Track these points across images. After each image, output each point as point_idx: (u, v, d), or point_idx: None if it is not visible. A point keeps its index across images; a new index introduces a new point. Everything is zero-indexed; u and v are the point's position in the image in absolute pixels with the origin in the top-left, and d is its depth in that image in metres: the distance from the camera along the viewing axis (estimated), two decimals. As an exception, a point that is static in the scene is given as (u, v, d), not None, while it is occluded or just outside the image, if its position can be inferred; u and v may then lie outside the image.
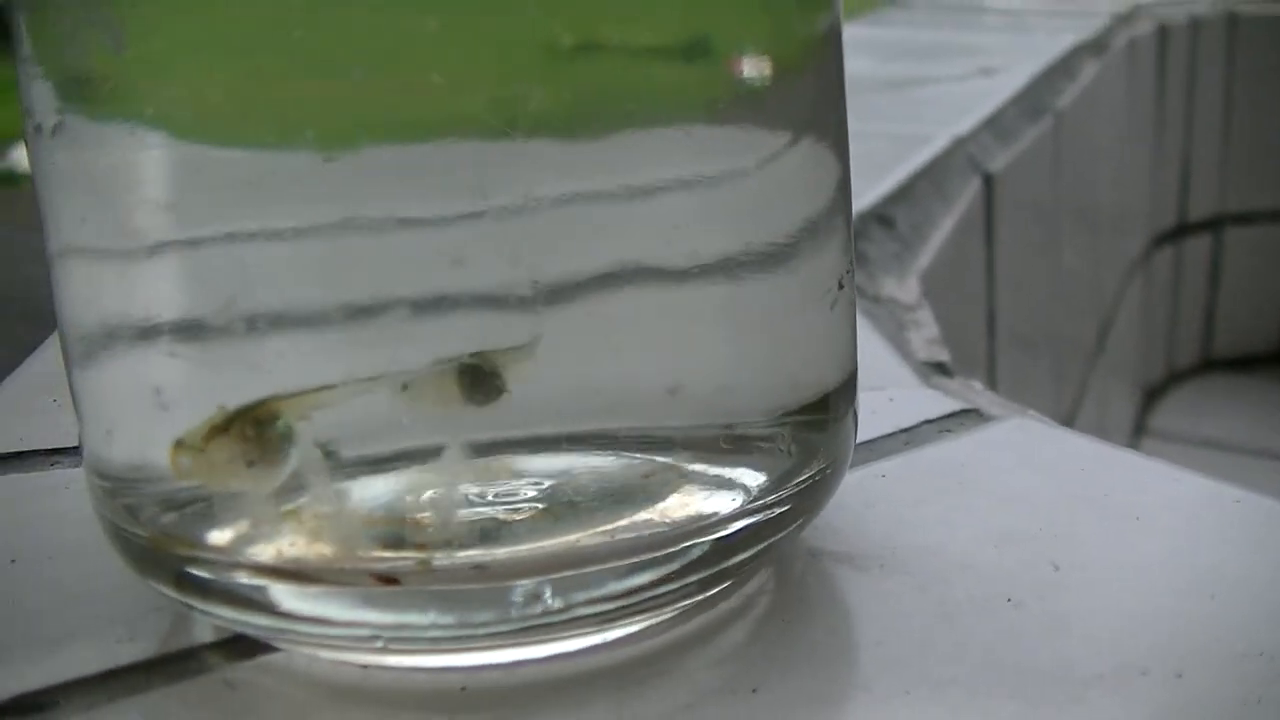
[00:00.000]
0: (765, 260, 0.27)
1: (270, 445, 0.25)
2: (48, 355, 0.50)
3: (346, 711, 0.27)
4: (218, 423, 0.25)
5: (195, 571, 0.27)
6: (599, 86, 0.25)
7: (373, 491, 0.26)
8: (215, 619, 0.28)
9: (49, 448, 0.40)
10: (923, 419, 0.40)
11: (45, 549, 0.33)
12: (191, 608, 0.28)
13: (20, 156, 4.53)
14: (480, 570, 0.25)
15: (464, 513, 0.26)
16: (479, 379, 0.25)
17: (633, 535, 0.26)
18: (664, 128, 0.26)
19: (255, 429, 0.25)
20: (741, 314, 0.27)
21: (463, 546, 0.25)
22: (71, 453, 0.39)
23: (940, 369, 0.48)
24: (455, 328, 0.25)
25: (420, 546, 0.25)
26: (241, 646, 0.29)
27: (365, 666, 0.28)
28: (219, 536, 0.26)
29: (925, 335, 0.53)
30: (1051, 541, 0.32)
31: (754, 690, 0.27)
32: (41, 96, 0.26)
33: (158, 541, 0.27)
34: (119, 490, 0.28)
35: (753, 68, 0.26)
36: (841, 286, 0.29)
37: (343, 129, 0.24)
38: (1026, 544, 0.32)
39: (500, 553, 0.25)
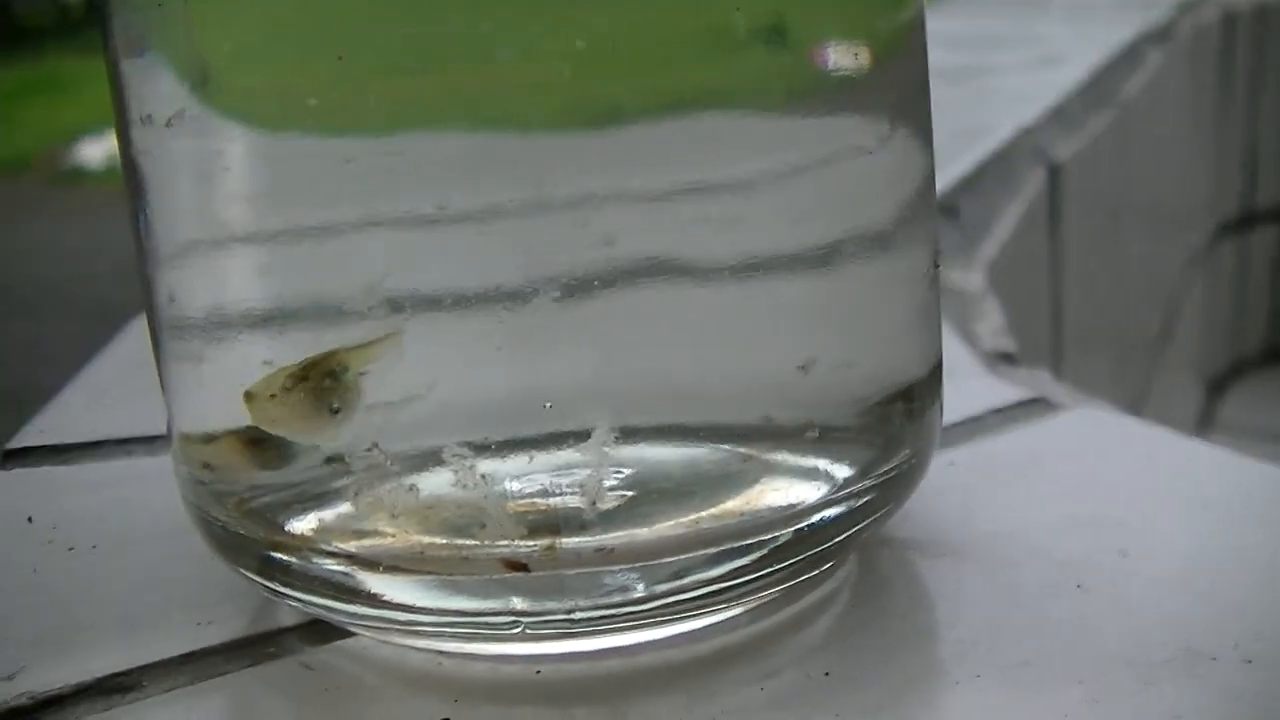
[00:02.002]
0: (869, 245, 0.27)
1: (349, 393, 0.25)
2: (120, 348, 0.50)
3: (424, 695, 0.27)
4: (294, 372, 0.26)
5: (282, 556, 0.27)
6: (734, 75, 0.25)
7: (505, 476, 0.26)
8: (314, 610, 0.28)
9: (124, 437, 0.41)
10: (990, 408, 0.40)
11: (123, 536, 0.34)
12: (288, 596, 0.28)
13: (89, 153, 4.56)
14: (603, 554, 0.26)
15: (560, 500, 0.26)
16: None
17: (719, 524, 0.26)
18: (780, 116, 0.26)
19: (330, 378, 0.25)
20: (843, 302, 0.28)
21: (584, 531, 0.26)
22: (146, 442, 0.40)
23: (1007, 359, 0.48)
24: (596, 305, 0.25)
25: (551, 531, 0.25)
26: (318, 631, 0.29)
27: (440, 653, 0.28)
28: (330, 527, 0.27)
29: (991, 325, 0.53)
30: (1120, 528, 0.32)
31: (826, 673, 0.27)
32: (158, 88, 0.26)
33: (270, 531, 0.27)
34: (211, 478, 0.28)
35: (861, 56, 0.27)
36: (936, 266, 0.30)
37: (469, 117, 0.25)
38: (1095, 531, 0.32)
39: (620, 536, 0.26)
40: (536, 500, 0.26)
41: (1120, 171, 1.02)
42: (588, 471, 0.25)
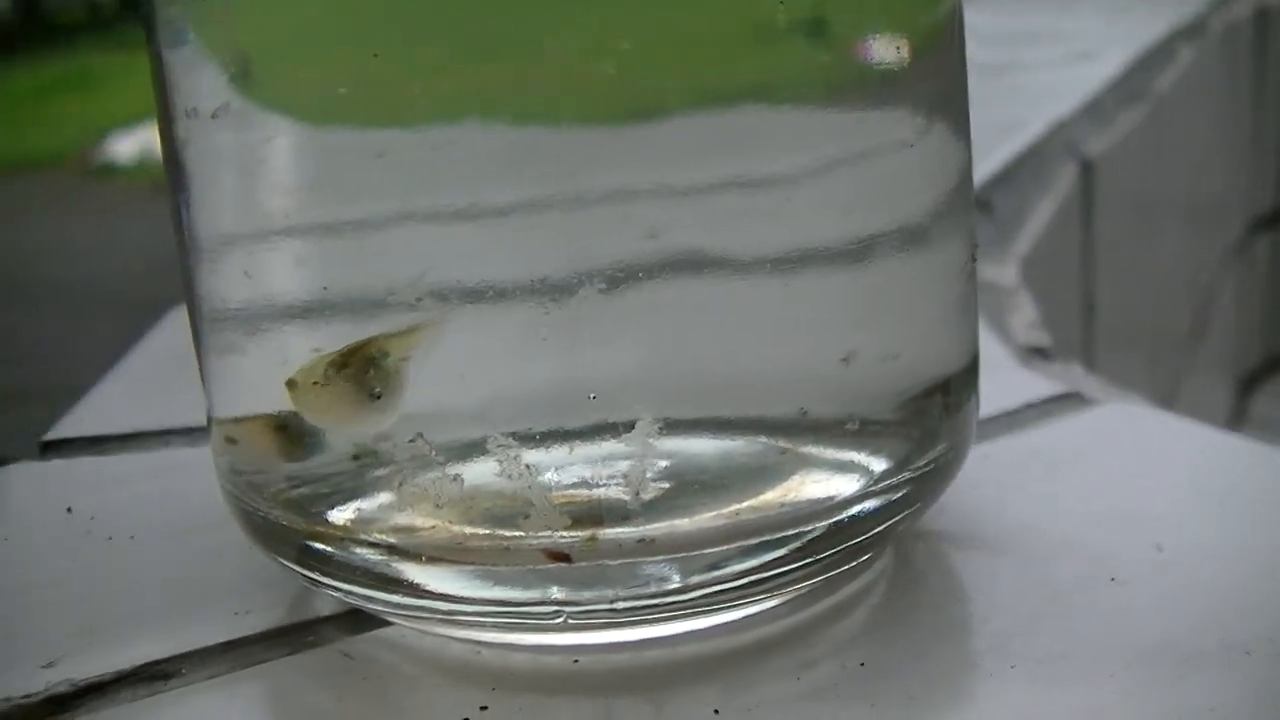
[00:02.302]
0: (909, 239, 0.27)
1: (390, 379, 0.25)
2: (156, 341, 0.51)
3: (463, 684, 0.27)
4: (335, 359, 0.26)
5: (321, 546, 0.27)
6: (775, 69, 0.26)
7: (549, 467, 0.26)
8: (353, 600, 0.28)
9: (162, 429, 0.41)
10: (1025, 402, 0.40)
11: (162, 525, 0.34)
12: (327, 586, 0.28)
13: (120, 148, 4.58)
14: (645, 544, 0.26)
15: (603, 491, 0.26)
16: None
17: (758, 516, 0.26)
18: (821, 110, 0.26)
19: (371, 365, 0.25)
20: (883, 296, 0.28)
21: (627, 522, 0.26)
22: (183, 433, 0.40)
23: (1040, 353, 0.48)
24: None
25: (594, 522, 0.26)
26: (357, 620, 0.29)
27: (478, 642, 0.28)
28: (370, 517, 0.27)
29: (1025, 319, 0.53)
30: (1154, 522, 0.32)
31: (861, 664, 0.27)
32: (202, 81, 0.27)
33: (310, 521, 0.28)
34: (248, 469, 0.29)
35: (901, 50, 0.27)
36: (974, 260, 0.30)
37: (516, 109, 0.25)
38: (1129, 524, 0.32)
39: (661, 527, 0.26)
40: (579, 491, 0.26)
41: (1153, 167, 1.02)
42: (630, 463, 0.26)
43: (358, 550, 0.27)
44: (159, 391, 0.44)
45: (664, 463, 0.26)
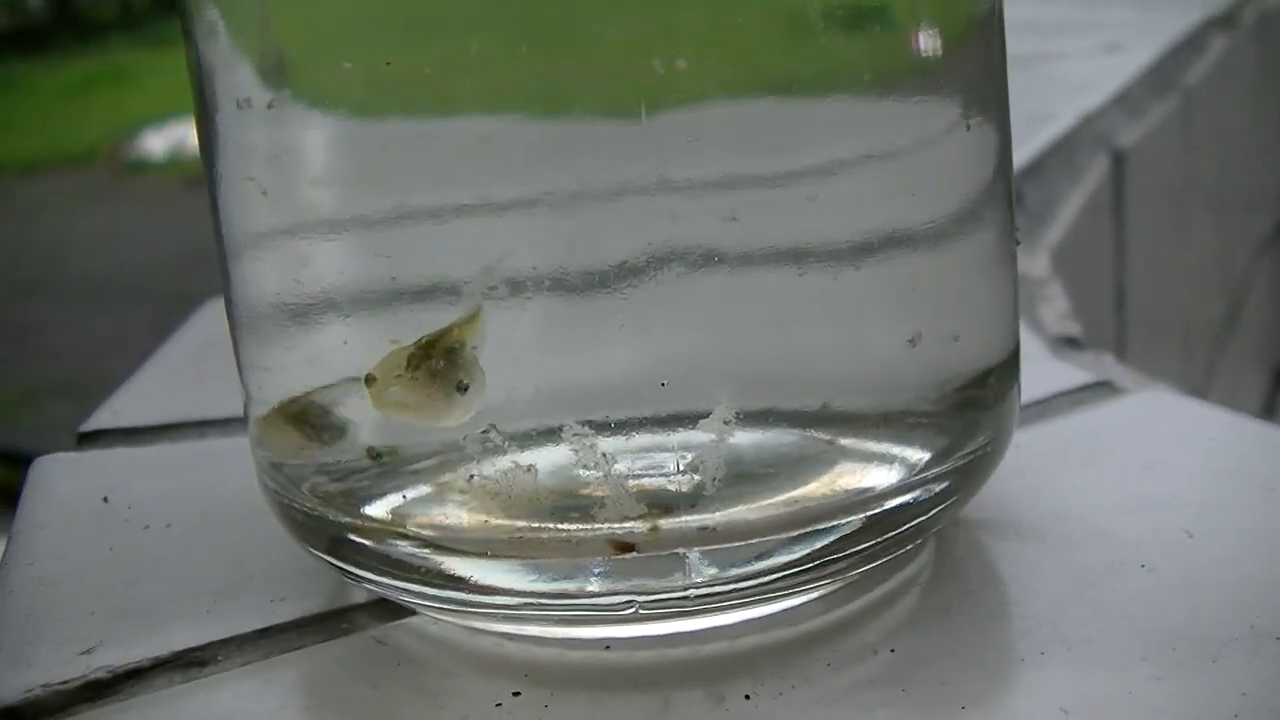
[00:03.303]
0: (951, 230, 0.28)
1: (473, 369, 0.25)
2: (191, 332, 0.51)
3: (496, 670, 0.27)
4: (414, 351, 0.25)
5: (360, 540, 0.28)
6: (831, 61, 0.26)
7: (624, 455, 0.26)
8: (395, 595, 0.28)
9: (197, 419, 0.41)
10: (1056, 391, 0.40)
11: (198, 515, 0.35)
12: (367, 580, 0.28)
13: (152, 144, 4.59)
14: (706, 533, 0.26)
15: (674, 479, 0.26)
16: None
17: (816, 504, 0.27)
18: (874, 97, 0.26)
19: (452, 355, 0.25)
20: (929, 285, 0.28)
21: (693, 510, 0.26)
22: (219, 424, 0.40)
23: (1072, 343, 0.48)
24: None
25: (662, 511, 0.25)
26: (391, 607, 0.30)
27: (507, 634, 0.28)
28: (410, 511, 0.27)
29: (1057, 309, 0.53)
30: (1185, 509, 0.32)
31: (893, 650, 0.27)
32: (251, 73, 0.26)
33: (350, 514, 0.28)
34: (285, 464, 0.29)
35: (942, 39, 0.27)
36: (1018, 242, 0.30)
37: (563, 101, 0.25)
38: (1160, 511, 0.32)
39: (718, 517, 0.26)
40: (652, 480, 0.26)
41: (1184, 158, 1.02)
42: (698, 452, 0.26)
43: (396, 543, 0.27)
44: (194, 383, 0.45)
45: (731, 452, 0.26)
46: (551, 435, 0.25)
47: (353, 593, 0.30)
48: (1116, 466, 0.35)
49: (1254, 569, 0.30)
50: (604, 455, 0.25)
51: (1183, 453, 0.36)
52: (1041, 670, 0.27)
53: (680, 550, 0.26)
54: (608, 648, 0.28)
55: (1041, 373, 0.42)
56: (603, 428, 0.25)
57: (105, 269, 3.20)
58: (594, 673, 0.27)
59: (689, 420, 0.26)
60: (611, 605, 0.26)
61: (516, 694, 0.26)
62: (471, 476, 0.26)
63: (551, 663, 0.28)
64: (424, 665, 0.28)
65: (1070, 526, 0.32)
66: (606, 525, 0.26)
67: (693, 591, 0.26)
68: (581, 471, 0.25)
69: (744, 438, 0.26)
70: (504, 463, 0.26)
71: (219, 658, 0.28)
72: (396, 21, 0.25)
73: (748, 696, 0.26)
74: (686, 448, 0.26)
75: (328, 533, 0.28)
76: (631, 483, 0.26)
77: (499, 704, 0.26)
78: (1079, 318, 0.54)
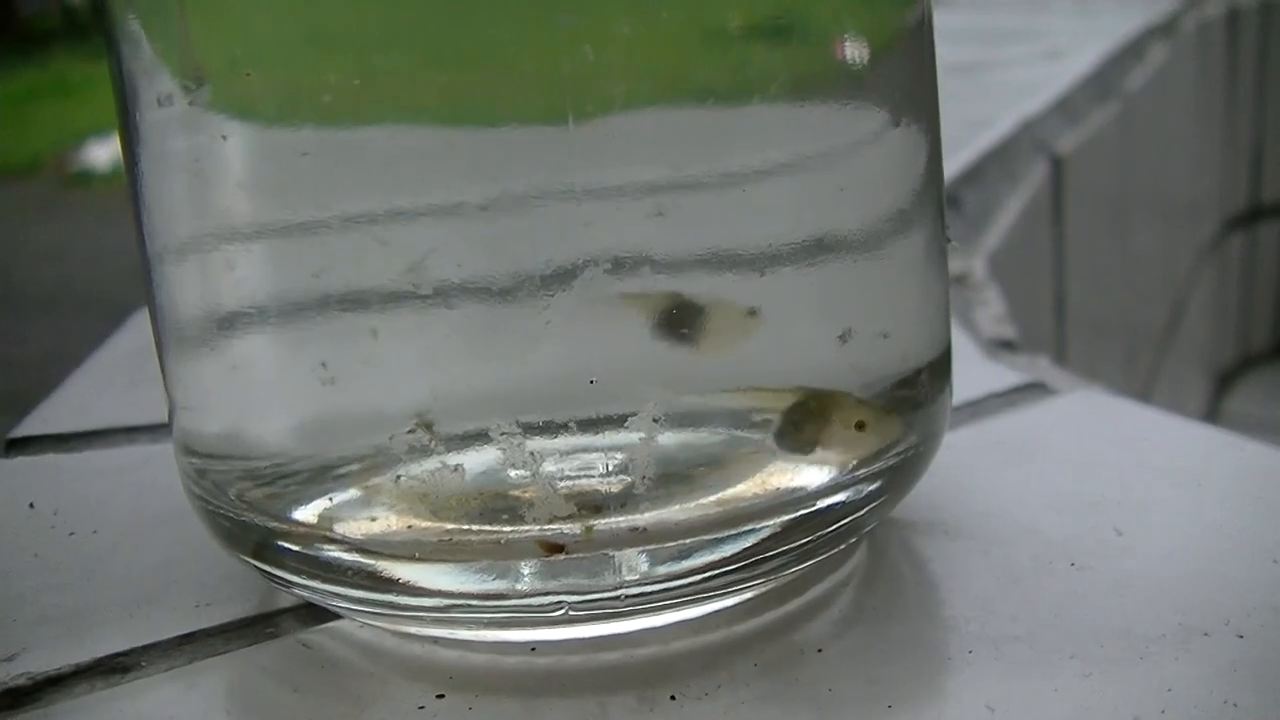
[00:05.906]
0: (881, 233, 0.28)
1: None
2: (123, 340, 0.51)
3: (421, 674, 0.27)
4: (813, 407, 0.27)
5: (288, 545, 0.27)
6: (755, 69, 0.26)
7: (551, 455, 0.26)
8: (322, 600, 0.28)
9: (127, 425, 0.41)
10: (989, 392, 0.40)
11: (125, 520, 0.34)
12: (295, 585, 0.28)
13: (96, 155, 4.57)
14: (637, 534, 0.26)
15: (602, 481, 0.26)
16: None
17: (743, 505, 0.27)
18: (801, 102, 0.26)
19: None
20: (858, 283, 0.28)
21: (622, 511, 0.26)
22: (148, 430, 0.40)
23: (1007, 346, 0.48)
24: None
25: (593, 512, 0.25)
26: (317, 612, 0.29)
27: (435, 638, 0.28)
28: (339, 515, 0.27)
29: (993, 313, 0.53)
30: (1114, 508, 0.32)
31: (819, 650, 0.27)
32: (167, 76, 0.26)
33: (275, 520, 0.27)
34: (213, 469, 0.28)
35: (868, 47, 0.27)
36: (950, 242, 0.30)
37: (494, 110, 0.25)
38: (1089, 510, 0.32)
39: (649, 517, 0.26)
40: (580, 481, 0.26)
41: (1124, 165, 1.03)
42: (627, 452, 0.26)
43: (326, 548, 0.27)
44: (125, 389, 0.44)
45: (660, 452, 0.26)
46: (480, 436, 0.25)
47: (279, 597, 0.30)
48: (1047, 466, 0.35)
49: (1183, 566, 0.30)
50: (532, 455, 0.25)
51: (1114, 452, 0.36)
52: (969, 668, 0.26)
53: (610, 551, 0.26)
54: (534, 649, 0.28)
55: (975, 375, 0.42)
56: (531, 428, 0.25)
57: (50, 280, 3.18)
58: (520, 676, 0.27)
59: (618, 421, 0.25)
60: (541, 606, 0.26)
61: (440, 696, 0.26)
62: (399, 478, 0.26)
63: (478, 666, 0.27)
64: (348, 669, 0.28)
65: (1000, 525, 0.32)
66: (536, 526, 0.25)
67: (623, 592, 0.26)
68: (510, 472, 0.25)
69: (673, 437, 0.26)
70: (431, 463, 0.25)
71: (142, 663, 0.28)
72: (311, 33, 0.25)
73: (673, 697, 0.26)
74: (616, 448, 0.26)
75: (254, 538, 0.28)
76: (561, 483, 0.26)
77: (421, 706, 0.26)
78: (1018, 322, 0.54)
